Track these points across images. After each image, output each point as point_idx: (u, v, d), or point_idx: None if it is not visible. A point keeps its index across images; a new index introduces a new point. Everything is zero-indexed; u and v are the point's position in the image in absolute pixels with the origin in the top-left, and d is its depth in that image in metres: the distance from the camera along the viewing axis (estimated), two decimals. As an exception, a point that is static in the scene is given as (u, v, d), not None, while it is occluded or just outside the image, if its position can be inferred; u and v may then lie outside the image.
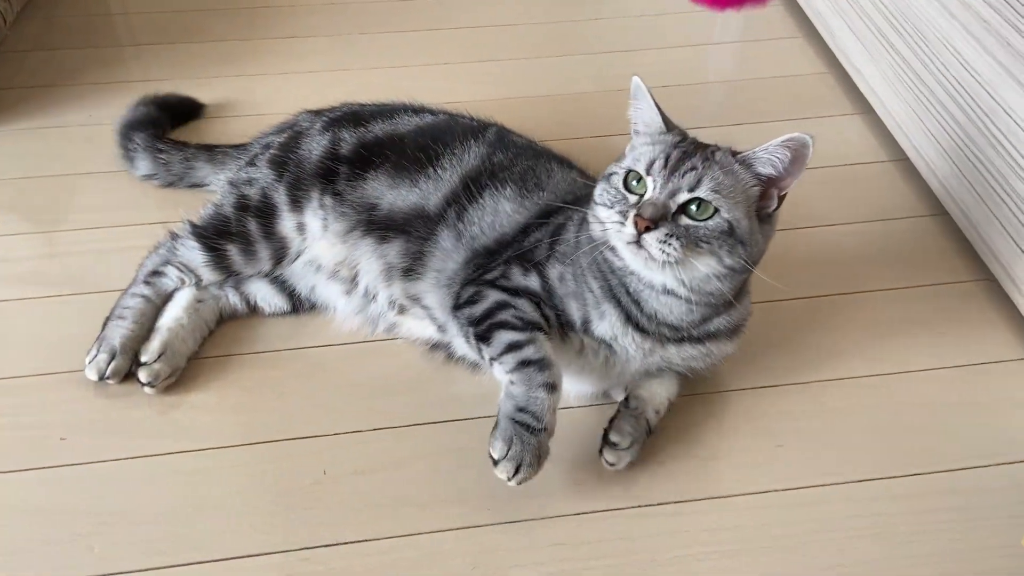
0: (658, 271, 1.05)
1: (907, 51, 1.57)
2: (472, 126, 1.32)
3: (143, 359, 1.19)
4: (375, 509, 1.10)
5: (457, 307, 1.17)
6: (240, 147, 1.47)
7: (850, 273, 1.43)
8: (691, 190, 1.03)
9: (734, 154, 1.07)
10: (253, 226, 1.26)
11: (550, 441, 1.06)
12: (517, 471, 1.03)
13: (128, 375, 1.21)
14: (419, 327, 1.26)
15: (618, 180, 1.08)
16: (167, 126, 1.59)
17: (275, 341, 1.29)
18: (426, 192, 1.22)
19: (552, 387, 1.06)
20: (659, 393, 1.17)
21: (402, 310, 1.26)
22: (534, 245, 1.17)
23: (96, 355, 1.20)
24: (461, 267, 1.20)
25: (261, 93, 1.78)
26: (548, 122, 1.69)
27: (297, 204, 1.26)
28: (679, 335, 1.12)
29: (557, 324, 1.14)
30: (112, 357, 1.19)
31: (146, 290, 1.27)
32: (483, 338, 1.12)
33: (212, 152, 1.49)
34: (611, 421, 1.14)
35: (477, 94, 1.78)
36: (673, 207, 1.03)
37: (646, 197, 1.04)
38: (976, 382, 1.27)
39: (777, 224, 1.11)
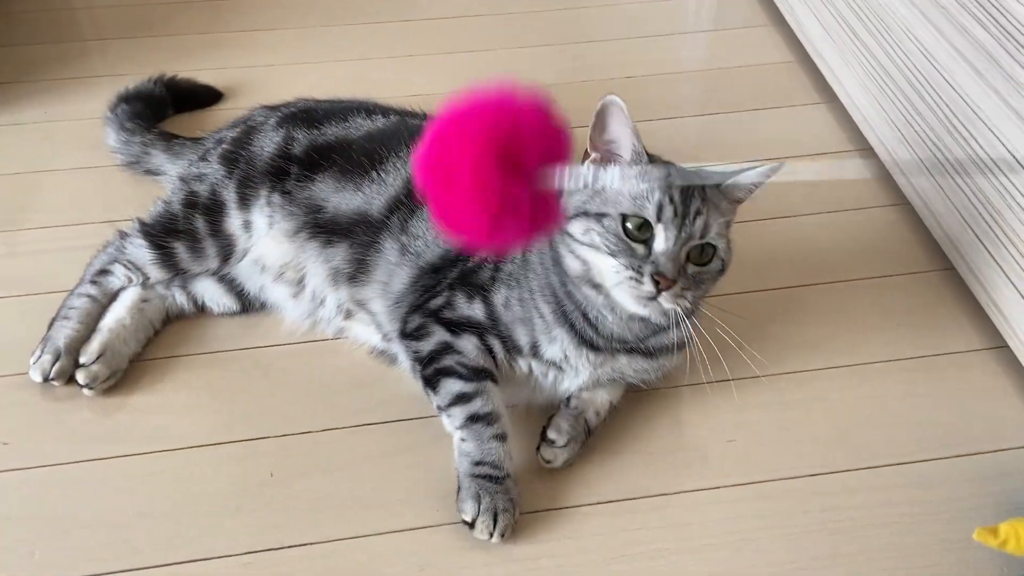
0: (652, 311, 1.04)
1: (869, 39, 1.56)
2: (421, 127, 1.28)
3: (81, 360, 1.17)
4: (322, 511, 1.08)
5: (404, 335, 1.16)
6: (197, 140, 1.45)
7: (810, 265, 1.42)
8: (702, 236, 1.00)
9: (717, 184, 1.03)
10: (200, 223, 1.24)
11: (516, 487, 1.07)
12: (495, 523, 1.03)
13: (73, 377, 1.18)
14: (365, 333, 1.25)
15: (615, 226, 1.00)
16: (166, 108, 1.60)
17: (224, 341, 1.27)
18: (369, 196, 1.20)
19: (503, 437, 1.08)
20: (601, 395, 1.16)
21: (349, 315, 1.25)
22: (478, 265, 1.15)
23: (40, 356, 1.18)
24: (408, 288, 1.18)
25: (225, 87, 1.74)
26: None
27: (245, 202, 1.24)
28: (629, 347, 1.11)
29: (503, 351, 1.12)
30: (56, 358, 1.17)
31: (92, 289, 1.25)
32: (430, 383, 1.12)
33: (170, 142, 1.47)
34: (550, 419, 1.13)
35: (445, 86, 1.73)
36: (684, 257, 1.00)
37: (660, 249, 0.99)
38: (933, 374, 1.26)
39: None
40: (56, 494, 1.09)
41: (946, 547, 1.05)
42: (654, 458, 1.15)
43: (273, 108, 1.36)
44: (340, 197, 1.22)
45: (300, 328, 1.28)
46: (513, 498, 1.05)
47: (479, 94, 0.80)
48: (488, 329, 1.13)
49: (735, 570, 1.03)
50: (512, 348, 1.13)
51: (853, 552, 1.05)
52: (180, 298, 1.28)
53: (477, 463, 1.06)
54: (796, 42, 1.86)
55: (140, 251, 1.25)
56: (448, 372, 1.12)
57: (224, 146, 1.30)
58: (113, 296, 1.25)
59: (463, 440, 1.08)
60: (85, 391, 1.17)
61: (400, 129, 1.28)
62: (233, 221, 1.25)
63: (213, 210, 1.24)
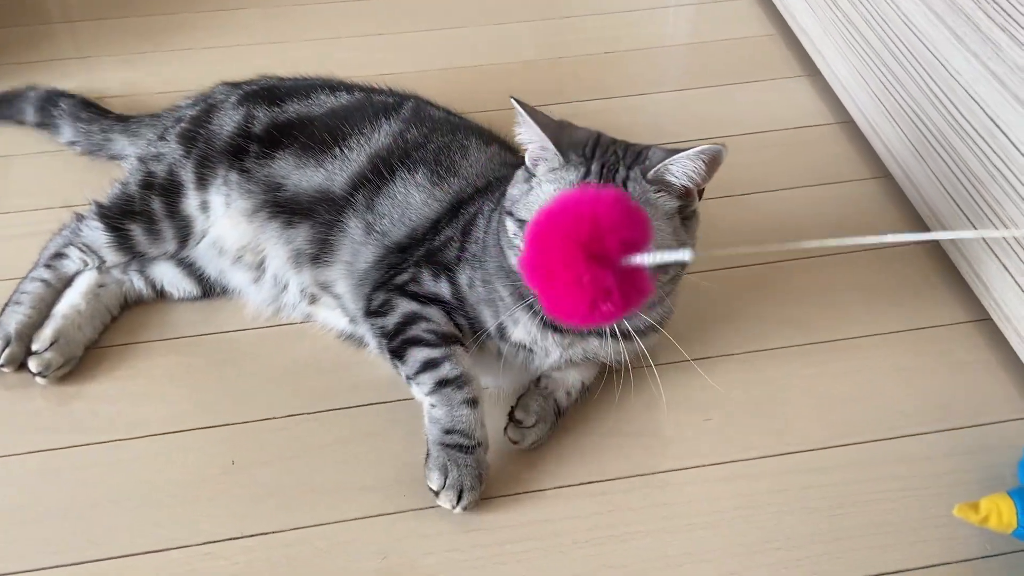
0: None
1: (849, 8, 1.52)
2: (386, 103, 1.25)
3: (34, 347, 1.13)
4: (284, 499, 1.05)
5: (369, 313, 1.13)
6: (156, 116, 1.41)
7: (794, 238, 1.37)
8: None
9: (645, 173, 0.97)
10: (157, 205, 1.20)
11: (487, 455, 1.03)
12: (460, 497, 1.00)
13: (25, 364, 1.14)
14: (332, 317, 1.21)
15: None
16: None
17: (185, 327, 1.23)
18: (331, 173, 1.17)
19: (474, 402, 1.04)
20: (572, 375, 1.13)
21: (314, 299, 1.21)
22: (444, 245, 1.12)
23: (-11, 342, 1.14)
24: (373, 266, 1.15)
25: (190, 68, 1.69)
26: (490, 93, 1.63)
27: (203, 182, 1.20)
28: (600, 329, 1.07)
29: (471, 332, 1.09)
30: (7, 344, 1.13)
31: (46, 274, 1.21)
32: (397, 354, 1.08)
33: (127, 123, 1.43)
34: (519, 398, 1.10)
35: (416, 65, 1.72)
36: None
37: None
38: (915, 348, 1.23)
39: (698, 219, 1.04)
40: (8, 486, 1.05)
41: (929, 524, 1.02)
42: (628, 439, 1.11)
43: (235, 85, 1.33)
44: (301, 174, 1.18)
45: (264, 313, 1.24)
46: (481, 473, 1.02)
47: (563, 197, 0.90)
48: (455, 309, 1.10)
49: (710, 550, 1.00)
50: (479, 328, 1.09)
51: (831, 530, 1.02)
52: (138, 283, 1.24)
53: (447, 431, 1.03)
54: (777, 15, 1.82)
55: (96, 234, 1.21)
56: (416, 341, 1.07)
57: (183, 125, 1.26)
58: (68, 281, 1.21)
59: (433, 406, 1.04)
60: (38, 379, 1.13)
61: (364, 105, 1.25)
62: (190, 202, 1.21)
63: (170, 191, 1.21)
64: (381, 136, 1.20)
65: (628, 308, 0.87)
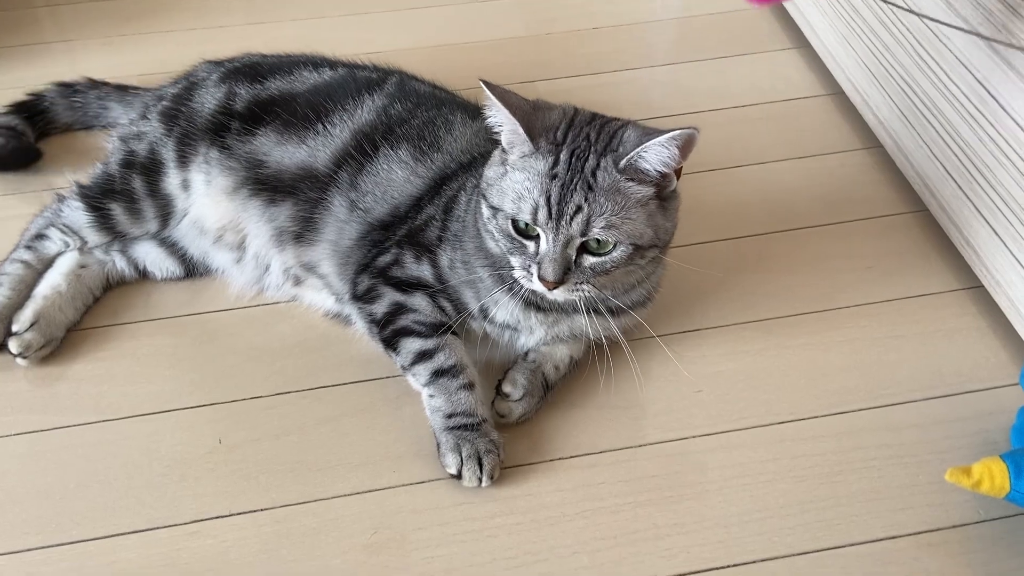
0: (558, 298, 1.01)
1: (838, -24, 1.51)
2: (370, 78, 1.24)
3: (13, 328, 1.12)
4: (273, 476, 1.04)
5: (355, 297, 1.12)
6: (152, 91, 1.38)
7: (780, 212, 1.37)
8: (583, 234, 0.95)
9: (616, 162, 0.95)
10: (138, 184, 1.19)
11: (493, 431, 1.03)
12: (481, 467, 1.00)
13: (6, 346, 1.13)
14: (318, 298, 1.20)
15: (507, 225, 0.98)
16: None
17: (170, 307, 1.22)
18: (314, 149, 1.15)
19: (471, 386, 1.04)
20: (561, 349, 1.12)
21: (298, 280, 1.20)
22: (426, 223, 1.11)
23: (-30, 324, 1.13)
24: (356, 243, 1.13)
25: (173, 50, 1.67)
26: (478, 69, 1.60)
27: (184, 160, 1.19)
28: (586, 308, 1.06)
29: (455, 313, 1.08)
30: (-13, 327, 1.12)
31: (27, 255, 1.19)
32: (390, 344, 1.08)
33: (124, 92, 1.41)
34: (506, 372, 1.09)
35: (399, 44, 1.70)
36: (573, 253, 0.96)
37: (542, 250, 0.96)
38: (906, 316, 1.22)
39: (679, 199, 1.03)
40: (-8, 468, 1.05)
41: (920, 490, 1.02)
42: (617, 412, 1.11)
43: (217, 63, 1.31)
44: (283, 151, 1.16)
45: (247, 294, 1.23)
46: (494, 439, 1.02)
47: None
48: (438, 291, 1.09)
49: (700, 519, 1.00)
50: (462, 309, 1.08)
51: (822, 498, 1.01)
52: (120, 263, 1.23)
53: (449, 415, 1.03)
54: (765, -13, 1.81)
55: (76, 214, 1.19)
56: (406, 332, 1.08)
57: (164, 103, 1.24)
58: (50, 262, 1.20)
59: (432, 396, 1.05)
60: (19, 361, 1.12)
61: (348, 81, 1.23)
62: (171, 180, 1.19)
63: (151, 169, 1.19)
64: (364, 112, 1.18)
65: None
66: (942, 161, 1.27)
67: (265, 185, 1.16)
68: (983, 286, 1.21)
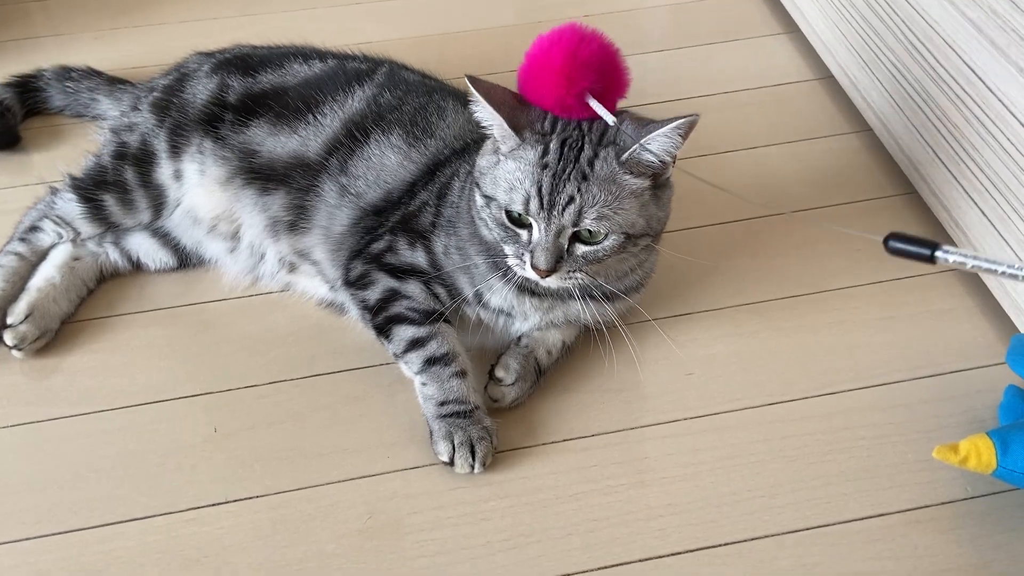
0: (551, 285, 1.02)
1: (826, -39, 1.51)
2: (360, 69, 1.24)
3: (8, 321, 1.12)
4: (268, 464, 1.05)
5: (348, 283, 1.13)
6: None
7: (776, 195, 1.38)
8: (575, 224, 0.96)
9: (619, 156, 0.95)
10: (130, 175, 1.19)
11: (486, 418, 1.04)
12: (474, 454, 1.01)
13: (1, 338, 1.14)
14: (312, 285, 1.21)
15: (500, 214, 0.99)
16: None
17: (164, 298, 1.22)
18: (305, 138, 1.16)
19: (463, 373, 1.05)
20: (553, 334, 1.12)
21: (292, 268, 1.20)
22: (420, 209, 1.11)
23: (-36, 317, 1.13)
24: (348, 229, 1.14)
25: (165, 43, 1.66)
26: (468, 58, 1.62)
27: (176, 150, 1.19)
28: (580, 293, 1.07)
29: (449, 299, 1.09)
30: (-20, 319, 1.13)
31: (21, 247, 1.20)
32: (382, 331, 1.09)
33: (113, 86, 1.42)
34: (499, 357, 1.10)
35: (390, 34, 1.70)
36: (565, 242, 0.97)
37: (535, 239, 0.97)
38: (895, 298, 1.23)
39: (672, 187, 1.04)
40: (-11, 459, 1.05)
41: (909, 469, 1.03)
42: (610, 395, 1.12)
43: (208, 54, 1.31)
44: (275, 141, 1.17)
45: (241, 283, 1.24)
46: (487, 426, 1.03)
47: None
48: (432, 277, 1.10)
49: (692, 500, 1.01)
50: (457, 295, 1.09)
51: (813, 477, 1.02)
52: (114, 255, 1.23)
53: (441, 403, 1.04)
54: (755, -28, 1.81)
55: (69, 205, 1.20)
56: (399, 319, 1.08)
57: (155, 94, 1.25)
58: (43, 255, 1.20)
59: (424, 384, 1.05)
60: (14, 353, 1.13)
61: (338, 72, 1.23)
62: (163, 171, 1.20)
63: (143, 160, 1.19)
64: (355, 102, 1.18)
65: None
66: (931, 144, 1.27)
67: (258, 174, 1.17)
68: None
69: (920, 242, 0.81)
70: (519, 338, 1.12)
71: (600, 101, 0.96)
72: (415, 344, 1.07)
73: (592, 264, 0.99)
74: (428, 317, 1.08)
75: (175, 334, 1.19)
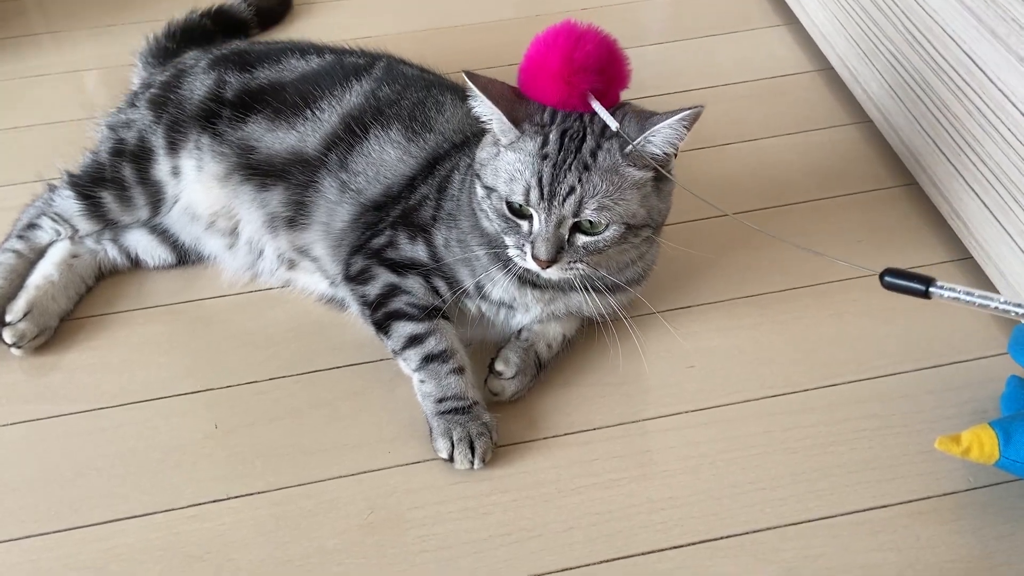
0: (552, 277, 1.02)
1: (825, -48, 1.50)
2: (358, 63, 1.23)
3: (7, 318, 1.12)
4: (269, 460, 1.05)
5: (348, 278, 1.12)
6: None
7: (775, 187, 1.38)
8: (575, 215, 0.95)
9: (623, 148, 0.95)
10: (128, 171, 1.19)
11: (485, 413, 1.04)
12: (473, 451, 1.01)
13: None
14: (312, 281, 1.21)
15: (501, 205, 0.99)
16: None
17: (163, 295, 1.22)
18: (303, 134, 1.15)
19: (461, 370, 1.05)
20: (554, 327, 1.12)
21: (292, 264, 1.20)
22: (420, 203, 1.11)
23: (-37, 315, 1.13)
24: (349, 225, 1.14)
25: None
26: (468, 52, 1.61)
27: (174, 147, 1.19)
28: (582, 285, 1.06)
29: (450, 292, 1.09)
30: (-22, 317, 1.13)
31: (19, 244, 1.20)
32: (381, 327, 1.09)
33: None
34: (499, 350, 1.09)
35: (387, 28, 1.69)
36: (566, 233, 0.97)
37: (535, 230, 0.97)
38: (889, 291, 1.22)
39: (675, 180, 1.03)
40: (-11, 457, 1.05)
41: (910, 460, 1.03)
42: (611, 388, 1.11)
43: (205, 50, 1.30)
44: (273, 136, 1.17)
45: (241, 280, 1.23)
46: (486, 422, 1.03)
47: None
48: (432, 270, 1.09)
49: (694, 493, 1.00)
50: (457, 288, 1.09)
51: (814, 469, 1.02)
52: (112, 252, 1.23)
53: (440, 400, 1.04)
54: (754, -36, 1.80)
55: (67, 203, 1.20)
56: (398, 315, 1.08)
57: (153, 90, 1.24)
58: (42, 252, 1.20)
59: (422, 382, 1.05)
60: (13, 350, 1.13)
61: (335, 67, 1.23)
62: (161, 167, 1.19)
63: (141, 157, 1.19)
64: (353, 96, 1.18)
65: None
66: (931, 134, 1.27)
67: (256, 170, 1.16)
68: (972, 258, 1.22)
69: (915, 277, 0.84)
70: (519, 331, 1.12)
71: (603, 96, 0.96)
72: (413, 341, 1.06)
73: (593, 255, 0.99)
74: (427, 313, 1.08)
75: (174, 331, 1.19)
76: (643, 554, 0.96)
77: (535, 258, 0.97)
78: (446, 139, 1.16)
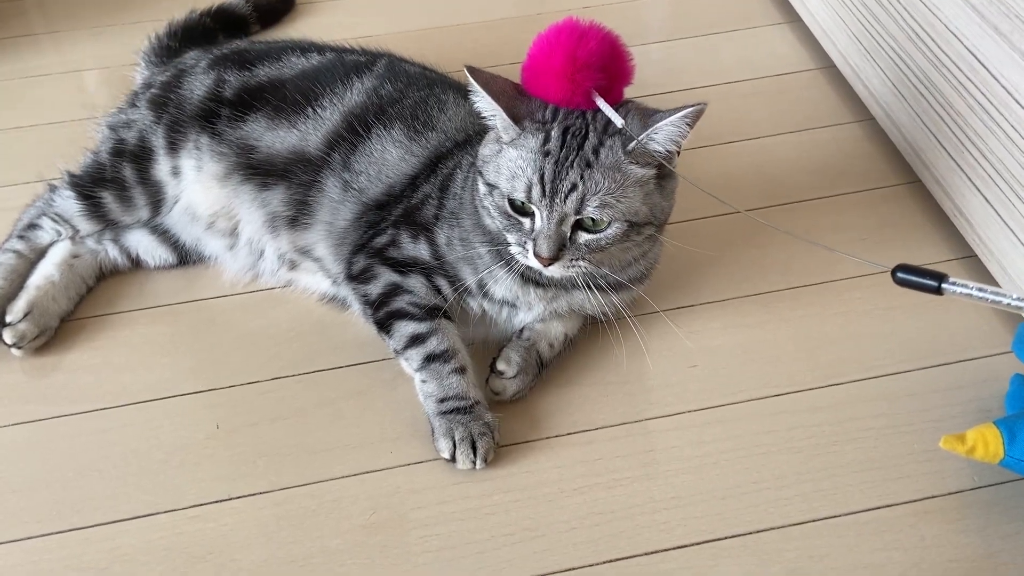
0: (554, 275, 1.02)
1: (827, -51, 1.50)
2: (359, 61, 1.23)
3: (7, 319, 1.12)
4: (272, 460, 1.04)
5: (351, 277, 1.12)
6: None
7: (778, 185, 1.37)
8: (577, 212, 0.95)
9: (625, 145, 0.95)
10: (128, 171, 1.19)
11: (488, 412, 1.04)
12: (475, 450, 1.00)
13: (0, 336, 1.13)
14: (314, 281, 1.20)
15: (503, 203, 0.98)
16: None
17: (164, 295, 1.22)
18: (305, 133, 1.15)
19: (463, 370, 1.04)
20: (555, 327, 1.12)
21: (293, 265, 1.20)
22: (422, 202, 1.11)
23: (-37, 316, 1.13)
24: (352, 224, 1.13)
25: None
26: (467, 52, 1.61)
27: (174, 147, 1.19)
28: (585, 283, 1.06)
29: (452, 292, 1.08)
30: (-22, 317, 1.12)
31: (19, 245, 1.19)
32: (383, 327, 1.09)
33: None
34: (501, 350, 1.09)
35: (389, 27, 1.69)
36: (568, 230, 0.96)
37: (537, 227, 0.97)
38: (900, 287, 1.22)
39: (677, 178, 1.03)
40: (-9, 458, 1.05)
41: (915, 459, 1.02)
42: (613, 388, 1.11)
43: (205, 50, 1.30)
44: (274, 136, 1.16)
45: (242, 280, 1.23)
46: (488, 422, 1.03)
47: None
48: (434, 269, 1.09)
49: (697, 492, 1.00)
50: (460, 287, 1.08)
51: (818, 468, 1.02)
52: (113, 252, 1.23)
53: (441, 400, 1.03)
54: (755, -39, 1.80)
55: (68, 203, 1.20)
56: (400, 314, 1.08)
57: (153, 90, 1.24)
58: (42, 252, 1.20)
59: (424, 381, 1.05)
60: (13, 351, 1.12)
61: (336, 65, 1.23)
62: (161, 167, 1.19)
63: (141, 157, 1.19)
64: (354, 94, 1.18)
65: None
66: (934, 132, 1.26)
67: (257, 170, 1.16)
68: (976, 255, 1.21)
69: (927, 273, 0.83)
70: (521, 331, 1.11)
71: (607, 93, 0.96)
72: (415, 340, 1.06)
73: (595, 253, 0.98)
74: (429, 312, 1.07)
75: (176, 331, 1.18)
76: (646, 554, 0.96)
77: (537, 256, 0.97)
78: (448, 137, 1.15)
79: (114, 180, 1.19)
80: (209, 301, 1.22)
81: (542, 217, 0.96)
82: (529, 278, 1.06)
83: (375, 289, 1.10)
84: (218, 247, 1.22)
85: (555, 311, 1.11)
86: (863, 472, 1.01)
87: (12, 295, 1.15)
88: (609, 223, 0.96)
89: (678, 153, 0.99)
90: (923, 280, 0.83)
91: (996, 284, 1.18)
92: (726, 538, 0.97)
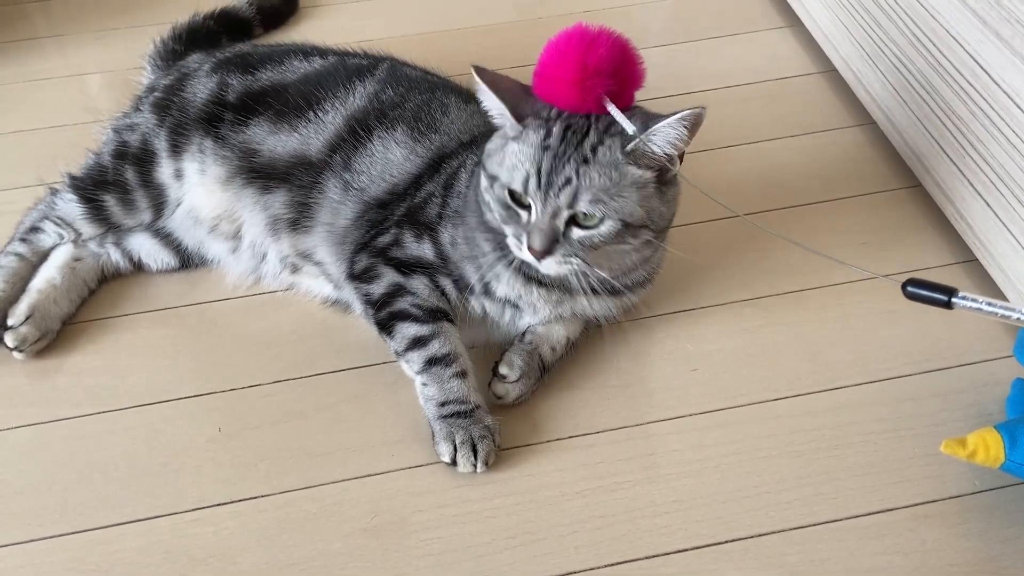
0: (550, 271, 1.02)
1: (828, -47, 1.50)
2: (361, 65, 1.24)
3: (9, 322, 1.12)
4: (273, 463, 1.04)
5: (353, 276, 1.12)
6: None
7: (775, 190, 1.37)
8: (570, 207, 0.96)
9: (624, 145, 0.95)
10: (131, 174, 1.19)
11: (489, 416, 1.04)
12: (476, 453, 1.00)
13: (2, 340, 1.13)
14: (316, 285, 1.21)
15: (503, 194, 0.99)
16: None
17: (166, 298, 1.22)
18: (306, 137, 1.15)
19: (464, 374, 1.05)
20: (557, 330, 1.12)
21: (295, 268, 1.20)
22: (426, 201, 1.11)
23: (-35, 318, 1.13)
24: (353, 223, 1.14)
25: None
26: (468, 56, 1.60)
27: (177, 150, 1.19)
28: (587, 287, 1.06)
29: (455, 291, 1.09)
30: (-18, 320, 1.12)
31: (21, 248, 1.20)
32: (385, 328, 1.09)
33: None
34: (503, 353, 1.09)
35: (390, 31, 1.69)
36: (561, 225, 0.97)
37: (532, 220, 0.98)
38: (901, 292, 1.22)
39: (679, 184, 1.04)
40: (-8, 461, 1.05)
41: (916, 463, 1.02)
42: (614, 391, 1.11)
43: (208, 53, 1.31)
44: (276, 139, 1.17)
45: (244, 283, 1.23)
46: (488, 425, 1.03)
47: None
48: (438, 269, 1.09)
49: (698, 496, 1.00)
50: (464, 287, 1.09)
51: (819, 472, 1.02)
52: (115, 255, 1.23)
53: (442, 404, 1.03)
54: (756, -34, 1.80)
55: (70, 206, 1.20)
56: (402, 316, 1.08)
57: (156, 94, 1.24)
58: (44, 256, 1.20)
59: (425, 385, 1.05)
60: (15, 354, 1.13)
61: (338, 68, 1.23)
62: (164, 170, 1.19)
63: (143, 160, 1.19)
64: (356, 98, 1.18)
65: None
66: (935, 136, 1.26)
67: (259, 174, 1.16)
68: (977, 259, 1.22)
69: (937, 288, 0.84)
70: (523, 334, 1.11)
71: (618, 98, 0.97)
72: (417, 343, 1.06)
73: (589, 250, 0.98)
74: (432, 315, 1.07)
75: (178, 334, 1.19)
76: (647, 558, 0.96)
77: (530, 248, 0.97)
78: (452, 138, 1.16)
79: (116, 183, 1.19)
80: (211, 304, 1.22)
81: (536, 209, 0.97)
82: (531, 277, 1.06)
83: (378, 289, 1.10)
84: (221, 250, 1.22)
85: (560, 314, 1.11)
86: (864, 476, 1.01)
87: (14, 298, 1.15)
88: (601, 220, 0.97)
89: (680, 159, 1.00)
90: (933, 295, 0.84)
91: (997, 289, 1.18)
92: (727, 542, 0.97)
